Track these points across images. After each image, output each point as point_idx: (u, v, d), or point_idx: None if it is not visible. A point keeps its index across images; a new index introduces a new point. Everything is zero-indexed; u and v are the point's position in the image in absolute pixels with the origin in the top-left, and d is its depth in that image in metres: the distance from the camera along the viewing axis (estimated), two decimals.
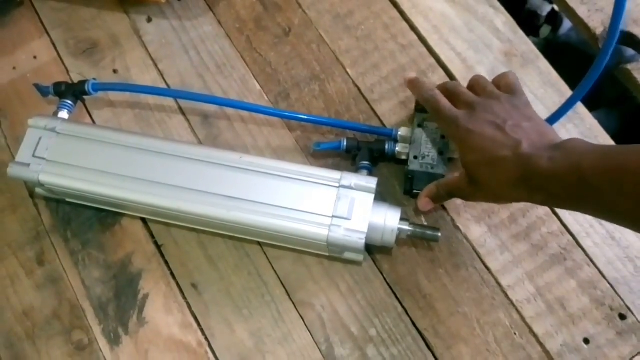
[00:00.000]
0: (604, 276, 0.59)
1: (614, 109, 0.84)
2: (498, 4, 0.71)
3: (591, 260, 0.60)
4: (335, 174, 0.58)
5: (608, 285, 0.59)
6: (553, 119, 0.61)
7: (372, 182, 0.57)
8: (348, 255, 0.60)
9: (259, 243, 0.63)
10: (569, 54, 0.94)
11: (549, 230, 0.61)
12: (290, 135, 0.67)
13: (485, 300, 0.59)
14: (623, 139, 0.64)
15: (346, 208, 0.56)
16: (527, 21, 0.97)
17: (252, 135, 0.68)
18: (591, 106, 0.76)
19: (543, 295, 0.59)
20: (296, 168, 0.58)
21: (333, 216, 0.56)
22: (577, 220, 0.61)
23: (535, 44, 0.69)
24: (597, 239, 0.60)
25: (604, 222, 0.61)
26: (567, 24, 0.95)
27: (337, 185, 0.57)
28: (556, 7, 0.90)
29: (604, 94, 0.78)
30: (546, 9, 0.96)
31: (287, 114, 0.65)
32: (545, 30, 1.00)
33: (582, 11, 0.68)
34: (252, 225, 0.57)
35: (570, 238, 0.61)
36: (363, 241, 0.55)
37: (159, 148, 0.61)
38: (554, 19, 0.97)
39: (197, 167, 0.59)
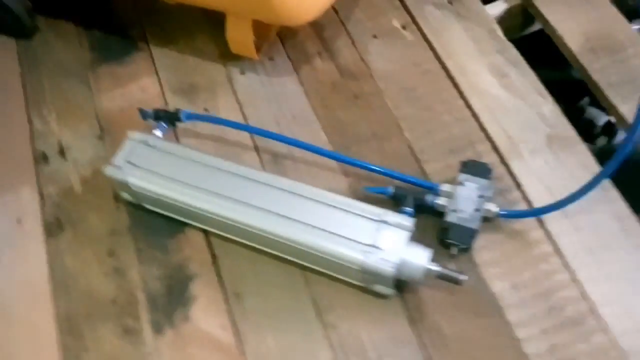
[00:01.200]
0: (618, 345, 0.62)
1: None
2: (546, 93, 0.79)
3: (607, 328, 0.63)
4: (377, 210, 0.65)
5: (620, 355, 0.62)
6: (581, 192, 0.65)
7: (409, 221, 0.64)
8: (378, 287, 0.66)
9: (301, 267, 0.70)
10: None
11: (568, 295, 0.65)
12: (345, 180, 0.76)
13: (500, 349, 0.63)
14: None
15: (382, 239, 0.63)
16: (584, 130, 1.04)
17: (312, 175, 0.77)
18: None
19: (554, 353, 0.62)
20: (343, 199, 0.67)
21: (369, 245, 0.63)
22: (597, 290, 0.65)
23: (594, 150, 0.75)
24: (615, 309, 0.64)
25: (622, 293, 0.64)
26: (621, 135, 1.01)
27: (378, 219, 0.65)
28: (612, 119, 0.97)
29: None
30: (603, 119, 1.03)
31: (345, 158, 0.74)
32: (601, 140, 1.06)
33: (624, 109, 0.75)
34: (297, 242, 0.65)
35: (589, 305, 0.64)
36: (393, 270, 0.61)
37: (231, 169, 0.71)
38: (610, 129, 1.03)
39: (260, 187, 0.69)
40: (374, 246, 0.63)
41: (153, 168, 0.71)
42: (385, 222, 0.64)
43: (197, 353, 0.67)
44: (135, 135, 0.73)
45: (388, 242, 0.63)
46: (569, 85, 0.98)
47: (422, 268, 0.63)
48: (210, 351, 0.67)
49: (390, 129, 0.79)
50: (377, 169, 0.73)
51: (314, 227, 0.65)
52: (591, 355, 0.62)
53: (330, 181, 0.76)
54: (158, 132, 0.77)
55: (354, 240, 0.64)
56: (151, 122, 0.79)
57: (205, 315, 0.69)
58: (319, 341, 0.66)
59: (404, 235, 0.64)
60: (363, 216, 0.65)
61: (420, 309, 0.67)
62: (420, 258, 0.63)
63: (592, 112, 1.04)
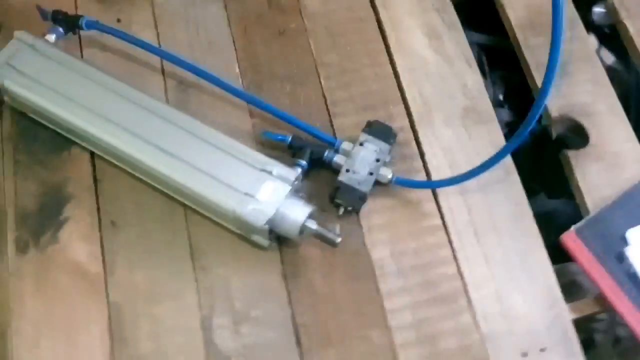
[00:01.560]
0: (479, 328, 0.61)
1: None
2: (474, 64, 0.75)
3: (473, 310, 0.62)
4: (262, 158, 0.62)
5: (479, 337, 0.61)
6: (481, 168, 0.63)
7: (291, 174, 0.61)
8: (256, 238, 0.64)
9: (184, 205, 0.67)
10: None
11: (445, 272, 0.64)
12: (249, 120, 0.72)
13: (366, 316, 0.62)
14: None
15: (260, 190, 0.60)
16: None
17: (215, 110, 0.73)
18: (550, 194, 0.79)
19: (418, 328, 0.61)
20: (231, 143, 0.63)
21: (245, 193, 0.60)
22: (473, 272, 0.64)
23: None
24: (485, 293, 0.63)
25: (497, 278, 0.63)
26: None
27: (260, 168, 0.61)
28: None
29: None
30: None
31: (251, 97, 0.70)
32: None
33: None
34: (175, 180, 0.62)
35: (462, 285, 0.63)
36: (264, 223, 0.59)
37: (122, 91, 0.66)
38: None
39: (148, 117, 0.65)
40: (250, 195, 0.60)
41: (36, 76, 0.66)
42: (268, 172, 0.61)
43: (61, 278, 0.64)
44: (23, 35, 0.68)
45: (267, 194, 0.60)
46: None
47: (297, 224, 0.60)
48: (74, 278, 0.64)
49: (307, 73, 0.75)
50: (281, 113, 0.69)
51: (194, 167, 0.62)
52: (453, 335, 0.61)
53: (233, 119, 0.72)
54: (51, 37, 0.71)
55: (232, 187, 0.60)
56: (50, 24, 0.73)
57: (76, 240, 0.66)
58: (187, 283, 0.64)
59: (285, 188, 0.61)
60: (247, 163, 0.62)
61: (296, 265, 0.65)
62: (297, 214, 0.61)
63: None
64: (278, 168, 0.61)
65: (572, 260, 0.64)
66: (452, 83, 0.74)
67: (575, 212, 0.69)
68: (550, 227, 0.68)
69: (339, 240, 0.61)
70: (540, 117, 0.74)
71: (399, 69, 0.75)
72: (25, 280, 0.63)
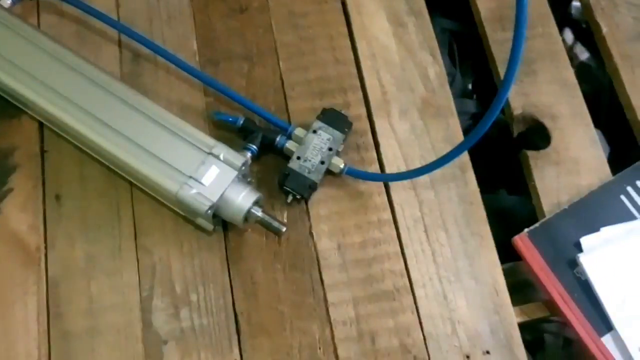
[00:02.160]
0: (421, 327, 0.61)
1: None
2: (439, 56, 0.74)
3: (417, 309, 0.62)
4: (209, 141, 0.61)
5: (421, 337, 0.61)
6: (436, 164, 0.62)
7: (239, 160, 0.60)
8: (200, 221, 0.63)
9: (130, 182, 0.65)
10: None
11: (391, 268, 0.63)
12: (202, 99, 0.70)
13: (306, 308, 0.62)
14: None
15: (205, 174, 0.59)
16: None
17: (169, 86, 0.71)
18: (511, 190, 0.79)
19: (360, 323, 0.61)
20: (179, 123, 0.61)
21: (190, 176, 0.59)
22: (420, 270, 0.63)
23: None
24: (430, 292, 0.63)
25: (443, 278, 0.63)
26: None
27: (207, 151, 0.60)
28: None
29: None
30: None
31: (203, 75, 0.68)
32: None
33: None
34: (119, 158, 0.60)
35: (407, 283, 0.63)
36: (207, 207, 0.57)
37: (73, 63, 0.64)
38: None
39: (97, 91, 0.63)
40: (194, 179, 0.59)
41: None
42: (215, 155, 0.60)
43: (0, 249, 0.63)
44: None
45: (211, 178, 0.59)
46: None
47: (242, 211, 0.59)
48: (12, 250, 0.63)
49: (266, 53, 0.73)
50: (234, 94, 0.68)
51: (139, 146, 0.60)
52: (395, 333, 0.61)
53: (187, 96, 0.70)
54: (6, 1, 0.69)
55: (176, 169, 0.59)
56: None
57: (18, 211, 0.65)
58: (127, 262, 0.63)
59: (231, 173, 0.59)
60: (193, 145, 0.60)
61: (240, 251, 0.64)
62: (242, 201, 0.59)
63: None
64: (225, 152, 0.60)
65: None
66: (413, 73, 0.73)
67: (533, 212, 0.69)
68: (508, 224, 0.68)
69: (284, 229, 0.60)
70: (502, 113, 0.73)
71: (360, 55, 0.73)
72: None
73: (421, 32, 0.75)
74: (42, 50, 0.65)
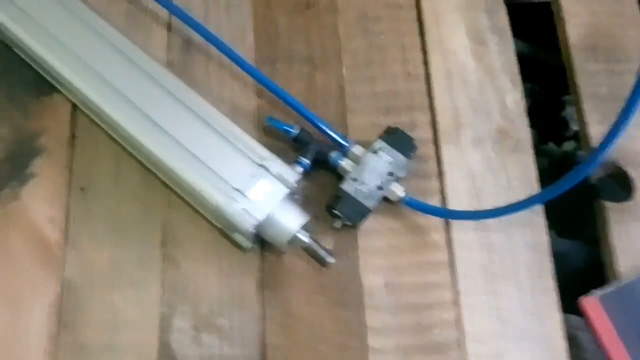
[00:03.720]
0: None
1: (590, 245, 0.79)
2: (519, 82, 0.66)
3: None
4: (262, 151, 0.54)
5: None
6: (507, 209, 0.55)
7: (292, 177, 0.53)
8: (237, 236, 0.56)
9: (166, 185, 0.59)
10: None
11: (443, 318, 0.56)
12: (255, 100, 0.64)
13: (347, 352, 0.55)
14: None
15: (253, 188, 0.52)
16: (555, 128, 0.93)
17: (220, 81, 0.64)
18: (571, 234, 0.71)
19: None
20: (228, 125, 0.55)
21: (237, 189, 0.52)
22: (474, 324, 0.56)
23: (553, 152, 0.64)
24: (484, 350, 0.55)
25: (501, 337, 0.55)
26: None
27: (259, 162, 0.53)
28: None
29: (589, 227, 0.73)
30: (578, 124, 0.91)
31: (260, 74, 0.61)
32: (569, 145, 0.95)
33: (593, 130, 0.64)
34: (160, 158, 0.54)
35: (462, 338, 0.56)
36: (251, 226, 0.51)
37: (120, 44, 0.58)
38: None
39: (142, 79, 0.57)
40: (241, 193, 0.52)
41: (28, 9, 0.58)
42: (266, 168, 0.53)
43: (16, 240, 0.57)
44: None
45: (260, 193, 0.52)
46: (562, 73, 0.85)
47: (288, 234, 0.53)
48: (31, 243, 0.57)
49: (329, 57, 0.66)
50: (290, 99, 0.61)
51: (182, 146, 0.54)
52: None
53: (237, 95, 0.64)
54: None
55: (222, 179, 0.52)
56: None
57: (39, 201, 0.59)
58: (153, 272, 0.57)
59: (282, 191, 0.53)
60: (244, 154, 0.54)
61: (277, 276, 0.57)
62: (290, 223, 0.53)
63: (571, 113, 0.91)
64: (278, 166, 0.53)
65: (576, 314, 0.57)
66: (491, 99, 0.65)
67: (586, 259, 0.62)
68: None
69: (331, 261, 0.53)
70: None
71: (433, 71, 0.66)
72: None
73: (503, 53, 0.67)
74: (87, 26, 0.59)
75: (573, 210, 0.67)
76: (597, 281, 0.60)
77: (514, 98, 0.65)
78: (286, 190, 0.53)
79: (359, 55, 0.66)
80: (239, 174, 0.52)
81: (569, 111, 0.91)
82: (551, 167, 0.77)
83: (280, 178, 0.53)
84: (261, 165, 0.53)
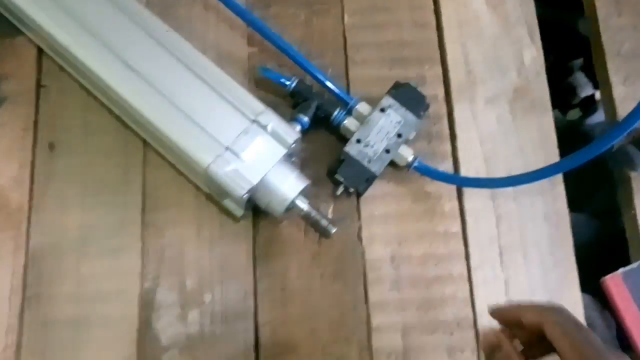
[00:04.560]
0: None
1: (596, 219, 0.74)
2: (538, 37, 0.60)
3: (477, 350, 0.50)
4: (257, 106, 0.47)
5: None
6: (526, 178, 0.50)
7: (291, 135, 0.47)
8: (228, 203, 0.50)
9: (144, 141, 0.52)
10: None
11: (453, 294, 0.51)
12: (245, 48, 0.56)
13: (345, 330, 0.49)
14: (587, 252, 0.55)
15: (247, 147, 0.45)
16: (560, 95, 0.87)
17: (206, 26, 0.57)
18: (576, 206, 0.66)
19: (407, 357, 0.49)
20: (220, 76, 0.48)
21: (227, 147, 0.45)
22: (488, 299, 0.51)
23: (557, 120, 0.58)
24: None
25: None
26: (597, 117, 0.85)
27: (253, 118, 0.46)
28: (597, 95, 0.80)
29: (596, 200, 0.68)
30: (587, 91, 0.85)
31: (252, 17, 0.54)
32: (574, 113, 0.90)
33: (618, 91, 0.58)
34: (139, 110, 0.47)
35: (471, 316, 0.51)
36: (244, 191, 0.44)
37: None
38: (588, 104, 0.87)
39: (114, 15, 0.49)
40: (232, 151, 0.45)
41: None
42: (261, 125, 0.46)
43: None
44: None
45: (254, 154, 0.46)
46: (569, 35, 0.79)
47: (285, 200, 0.47)
48: None
49: (330, 1, 0.59)
50: (286, 46, 0.54)
51: (165, 98, 0.47)
52: None
53: (226, 41, 0.57)
54: None
55: (211, 136, 0.46)
56: None
57: (2, 160, 0.51)
58: (131, 240, 0.50)
59: (279, 151, 0.46)
60: (236, 108, 0.47)
61: (271, 247, 0.51)
62: (288, 188, 0.47)
63: (579, 79, 0.86)
64: (275, 122, 0.47)
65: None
66: (507, 54, 0.59)
67: (597, 233, 0.57)
68: None
69: (333, 231, 0.48)
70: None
71: (444, 21, 0.59)
72: None
73: (520, 4, 0.61)
74: None
75: (582, 182, 0.62)
76: (608, 257, 0.56)
77: (532, 54, 0.59)
78: (284, 151, 0.46)
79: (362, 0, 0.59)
80: (230, 130, 0.46)
81: (577, 77, 0.86)
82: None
83: (276, 137, 0.46)
84: (255, 121, 0.46)
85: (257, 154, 0.46)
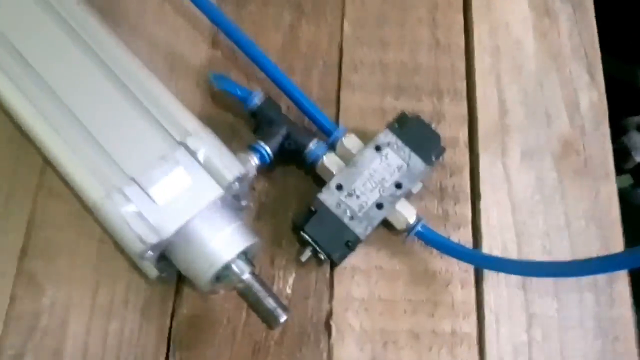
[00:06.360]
0: None
1: None
2: (600, 76, 0.45)
3: None
4: (190, 124, 0.32)
5: None
6: (570, 268, 0.34)
7: (232, 170, 0.31)
8: (138, 260, 0.34)
9: (45, 158, 0.37)
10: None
11: None
12: (206, 52, 0.42)
13: None
14: None
15: (160, 180, 0.30)
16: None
17: (159, 19, 0.43)
18: None
19: None
20: (150, 85, 0.33)
21: (133, 179, 0.30)
22: None
23: None
24: None
25: None
26: None
27: (179, 140, 0.31)
28: None
29: None
30: None
31: (218, 14, 0.40)
32: (624, 180, 0.74)
33: None
34: (24, 119, 0.32)
35: None
36: (145, 248, 0.29)
37: None
38: None
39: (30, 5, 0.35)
40: (139, 185, 0.30)
41: None
42: (190, 150, 0.31)
43: None
44: None
45: (169, 190, 0.30)
46: (624, 87, 0.66)
47: (212, 266, 0.31)
48: None
49: (326, 3, 0.45)
50: (258, 55, 0.39)
51: (66, 108, 0.32)
52: None
53: (183, 41, 0.43)
54: None
55: (114, 162, 0.31)
56: None
57: None
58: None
59: (212, 190, 0.31)
60: (161, 126, 0.32)
61: (196, 329, 0.35)
62: (219, 246, 0.31)
63: (634, 140, 0.71)
64: (211, 148, 0.31)
65: None
66: (557, 95, 0.44)
67: None
68: None
69: (282, 319, 0.31)
70: None
71: (476, 45, 0.45)
72: None
73: (578, 32, 0.46)
74: None
75: None
76: None
77: (591, 98, 0.44)
78: (219, 191, 0.31)
79: (369, 4, 0.45)
80: (143, 155, 0.31)
81: (632, 137, 0.71)
82: None
83: (211, 169, 0.31)
84: (182, 143, 0.31)
85: (177, 191, 0.30)
